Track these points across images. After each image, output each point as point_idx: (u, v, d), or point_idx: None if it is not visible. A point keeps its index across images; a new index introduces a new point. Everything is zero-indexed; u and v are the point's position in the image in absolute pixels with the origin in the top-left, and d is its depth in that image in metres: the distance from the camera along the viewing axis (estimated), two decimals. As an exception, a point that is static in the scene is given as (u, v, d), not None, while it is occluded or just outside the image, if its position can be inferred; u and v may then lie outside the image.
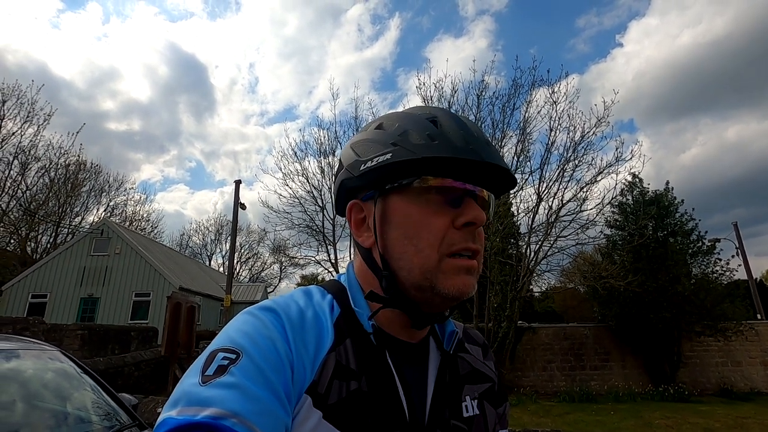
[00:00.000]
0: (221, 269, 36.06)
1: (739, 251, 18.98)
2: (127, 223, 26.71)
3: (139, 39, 65.85)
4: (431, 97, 12.01)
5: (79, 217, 24.30)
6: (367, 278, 0.63)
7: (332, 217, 12.88)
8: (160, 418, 0.44)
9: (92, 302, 18.52)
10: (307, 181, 13.03)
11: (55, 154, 21.00)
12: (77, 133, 21.45)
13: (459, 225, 0.56)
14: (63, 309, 18.27)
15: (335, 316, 0.59)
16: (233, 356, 0.47)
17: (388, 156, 0.57)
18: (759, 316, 16.95)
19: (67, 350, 2.34)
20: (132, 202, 28.59)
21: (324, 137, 13.25)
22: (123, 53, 63.76)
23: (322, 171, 13.01)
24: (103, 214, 25.42)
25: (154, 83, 64.21)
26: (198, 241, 40.39)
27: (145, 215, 29.80)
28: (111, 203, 26.57)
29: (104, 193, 25.85)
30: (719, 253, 12.35)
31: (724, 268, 12.06)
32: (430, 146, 0.56)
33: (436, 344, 0.65)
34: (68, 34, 58.83)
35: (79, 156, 22.49)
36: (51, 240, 23.28)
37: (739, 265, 18.07)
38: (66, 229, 23.25)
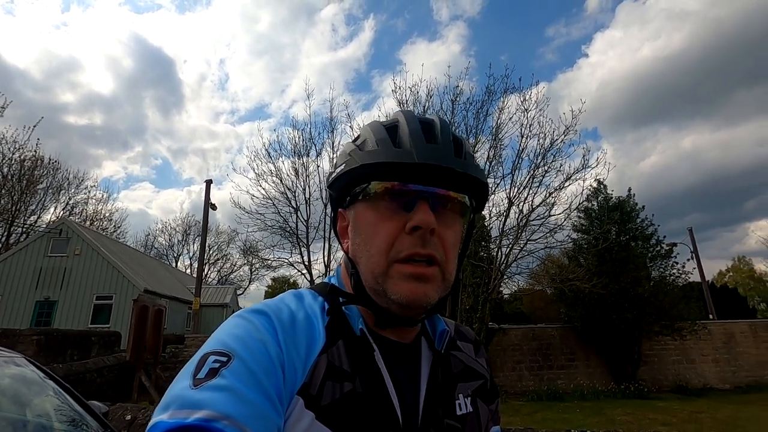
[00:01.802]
0: (188, 271, 34.96)
1: (693, 255, 20.09)
2: (88, 223, 25.45)
3: (102, 29, 63.32)
4: (407, 101, 12.11)
5: (35, 216, 22.95)
6: (347, 280, 0.65)
7: (306, 218, 12.75)
8: (151, 422, 0.44)
9: (49, 305, 17.53)
10: (281, 182, 12.83)
11: (9, 148, 19.76)
12: (34, 126, 20.14)
13: (408, 230, 0.56)
14: (16, 313, 17.20)
15: (327, 318, 0.60)
16: (224, 359, 0.48)
17: (342, 167, 0.61)
18: (711, 317, 17.97)
19: (29, 356, 2.22)
20: (93, 201, 27.17)
21: (298, 138, 13.11)
22: (84, 44, 61.17)
23: (296, 172, 12.87)
24: (62, 212, 24.11)
25: (118, 76, 61.76)
26: (164, 242, 38.97)
27: (107, 214, 28.46)
28: (70, 201, 25.19)
29: (63, 191, 24.50)
30: (676, 257, 13.09)
31: (680, 271, 12.79)
32: (372, 153, 0.59)
33: (427, 344, 0.66)
34: (23, 21, 55.70)
35: (35, 151, 21.21)
36: (3, 240, 21.88)
37: (694, 268, 19.20)
38: (20, 229, 21.91)
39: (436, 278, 0.57)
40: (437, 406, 0.60)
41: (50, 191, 23.59)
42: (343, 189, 0.63)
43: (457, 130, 11.82)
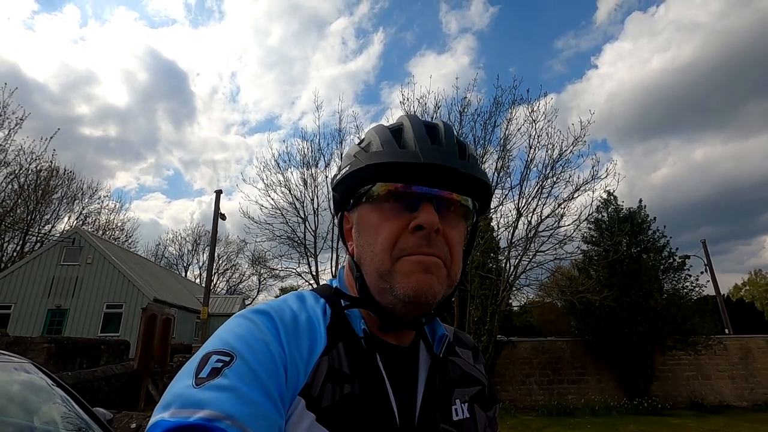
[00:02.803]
0: (198, 281, 35.18)
1: (707, 268, 19.68)
2: (101, 232, 25.80)
3: (118, 44, 64.90)
4: (415, 112, 12.19)
5: (49, 225, 23.35)
6: (351, 283, 0.66)
7: (314, 228, 12.80)
8: (151, 421, 0.43)
9: (60, 314, 17.74)
10: (290, 192, 12.91)
11: (26, 159, 20.22)
12: (51, 138, 20.57)
13: (411, 229, 0.56)
14: (28, 321, 17.42)
15: (328, 320, 0.60)
16: (227, 359, 0.48)
17: (347, 168, 0.62)
18: (727, 331, 17.53)
19: (37, 363, 2.25)
20: (106, 211, 27.62)
21: (307, 149, 13.24)
22: (100, 57, 62.71)
23: (305, 182, 12.95)
24: (75, 222, 24.50)
25: (132, 89, 63.09)
26: (174, 252, 39.42)
27: (119, 224, 28.83)
28: (84, 211, 25.59)
29: (77, 201, 24.91)
30: (689, 270, 12.83)
31: (694, 284, 12.51)
32: (378, 153, 0.59)
33: (426, 348, 0.66)
34: (43, 36, 57.44)
35: (51, 162, 21.69)
36: (18, 248, 22.26)
37: (708, 282, 18.82)
38: (35, 237, 22.30)
39: (442, 271, 0.57)
40: (434, 410, 0.60)
41: (65, 201, 24.04)
42: (348, 190, 0.64)
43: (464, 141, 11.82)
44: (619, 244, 12.31)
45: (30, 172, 20.78)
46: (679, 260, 12.89)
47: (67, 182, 23.85)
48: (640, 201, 13.51)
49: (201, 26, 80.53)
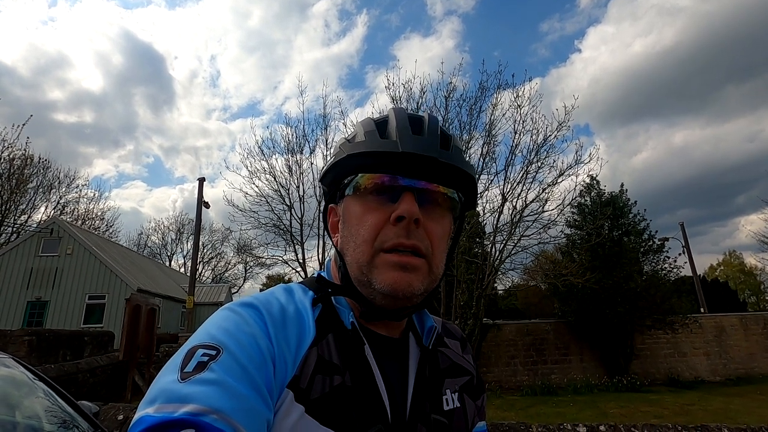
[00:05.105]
0: (182, 270, 34.77)
1: (685, 250, 20.28)
2: (80, 222, 25.18)
3: (91, 25, 62.41)
4: (400, 97, 12.10)
5: (26, 216, 22.65)
6: (335, 273, 0.66)
7: (300, 215, 12.72)
8: (136, 416, 0.42)
9: (40, 306, 17.37)
10: (275, 179, 12.76)
11: (-3, 147, 19.45)
12: (23, 125, 19.82)
13: (393, 220, 0.56)
14: (6, 314, 17.02)
15: (317, 312, 0.60)
16: (213, 352, 0.47)
17: (332, 159, 0.63)
18: (702, 310, 18.19)
19: (18, 357, 2.20)
20: (84, 200, 26.85)
21: (291, 135, 13.04)
22: (72, 40, 60.27)
23: (290, 169, 12.80)
24: (53, 212, 23.82)
25: (108, 73, 60.93)
26: (157, 241, 38.75)
27: (99, 213, 28.12)
28: (61, 200, 24.86)
29: (53, 190, 24.16)
30: (667, 251, 13.23)
31: (672, 266, 12.93)
32: (358, 144, 0.60)
33: (415, 339, 0.66)
34: (9, 17, 54.69)
35: (25, 150, 20.92)
36: (-8, 240, 21.60)
37: (685, 263, 19.42)
38: (10, 228, 21.64)
39: (422, 269, 0.57)
40: (425, 401, 0.60)
41: (41, 190, 23.28)
42: (333, 182, 0.64)
43: (450, 127, 11.89)
44: (601, 227, 12.58)
45: (2, 160, 20.05)
46: (659, 243, 13.27)
47: (42, 171, 23.07)
48: (622, 185, 13.81)
49: (178, 7, 78.05)
